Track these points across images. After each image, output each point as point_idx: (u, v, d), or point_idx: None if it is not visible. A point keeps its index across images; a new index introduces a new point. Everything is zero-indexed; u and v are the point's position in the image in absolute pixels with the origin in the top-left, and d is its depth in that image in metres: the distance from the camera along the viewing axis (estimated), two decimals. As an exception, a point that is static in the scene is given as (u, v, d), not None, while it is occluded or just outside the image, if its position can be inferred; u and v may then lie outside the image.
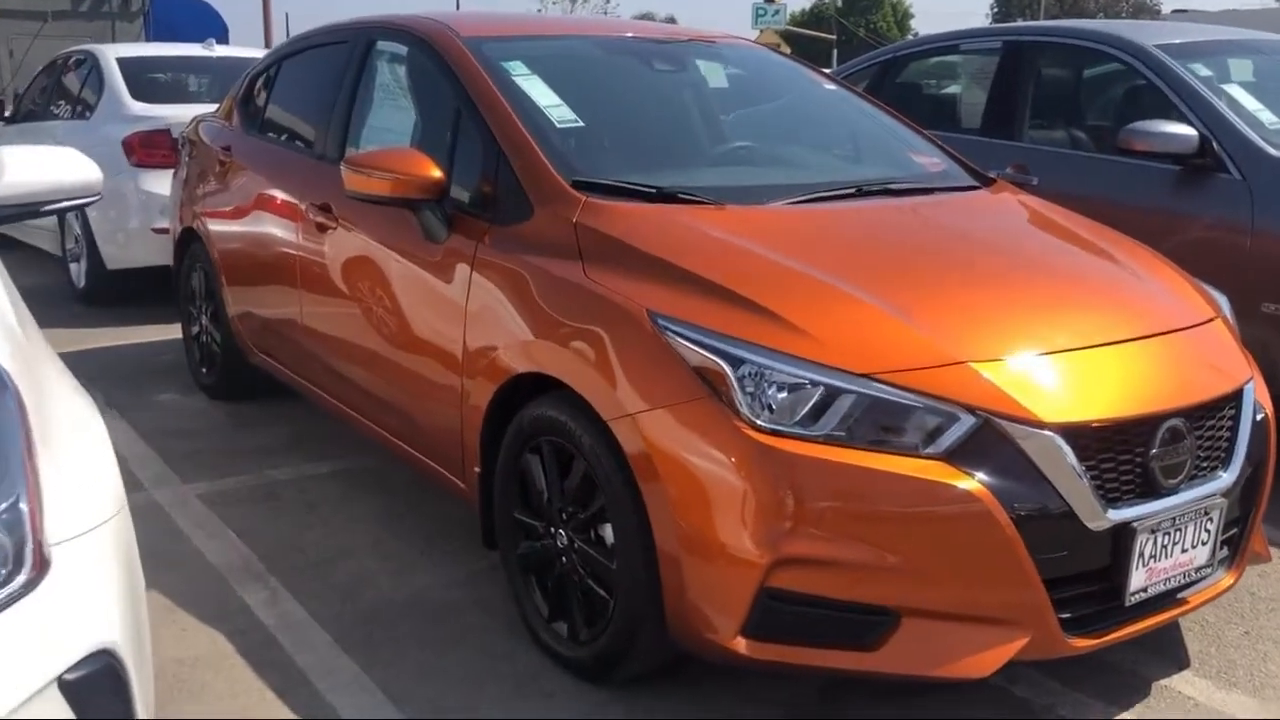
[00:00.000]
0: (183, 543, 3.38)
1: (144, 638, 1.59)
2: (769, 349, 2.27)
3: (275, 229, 4.00)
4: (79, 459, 1.59)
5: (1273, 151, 3.89)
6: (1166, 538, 2.37)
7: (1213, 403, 2.49)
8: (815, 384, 2.23)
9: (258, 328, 4.30)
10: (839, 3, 59.18)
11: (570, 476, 2.58)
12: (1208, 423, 2.47)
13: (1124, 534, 2.29)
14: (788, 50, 7.49)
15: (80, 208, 2.55)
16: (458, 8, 17.68)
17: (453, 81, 3.22)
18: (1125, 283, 2.84)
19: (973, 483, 2.17)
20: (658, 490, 2.31)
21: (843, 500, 2.19)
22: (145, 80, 6.93)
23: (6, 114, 8.75)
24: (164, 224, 5.73)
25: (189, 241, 4.87)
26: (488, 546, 2.92)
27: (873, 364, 2.25)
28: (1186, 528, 2.40)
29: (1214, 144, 4.00)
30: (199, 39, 7.99)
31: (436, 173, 2.93)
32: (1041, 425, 2.22)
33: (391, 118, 3.78)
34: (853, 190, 3.08)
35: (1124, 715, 2.55)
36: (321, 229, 3.62)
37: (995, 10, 62.19)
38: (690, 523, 2.27)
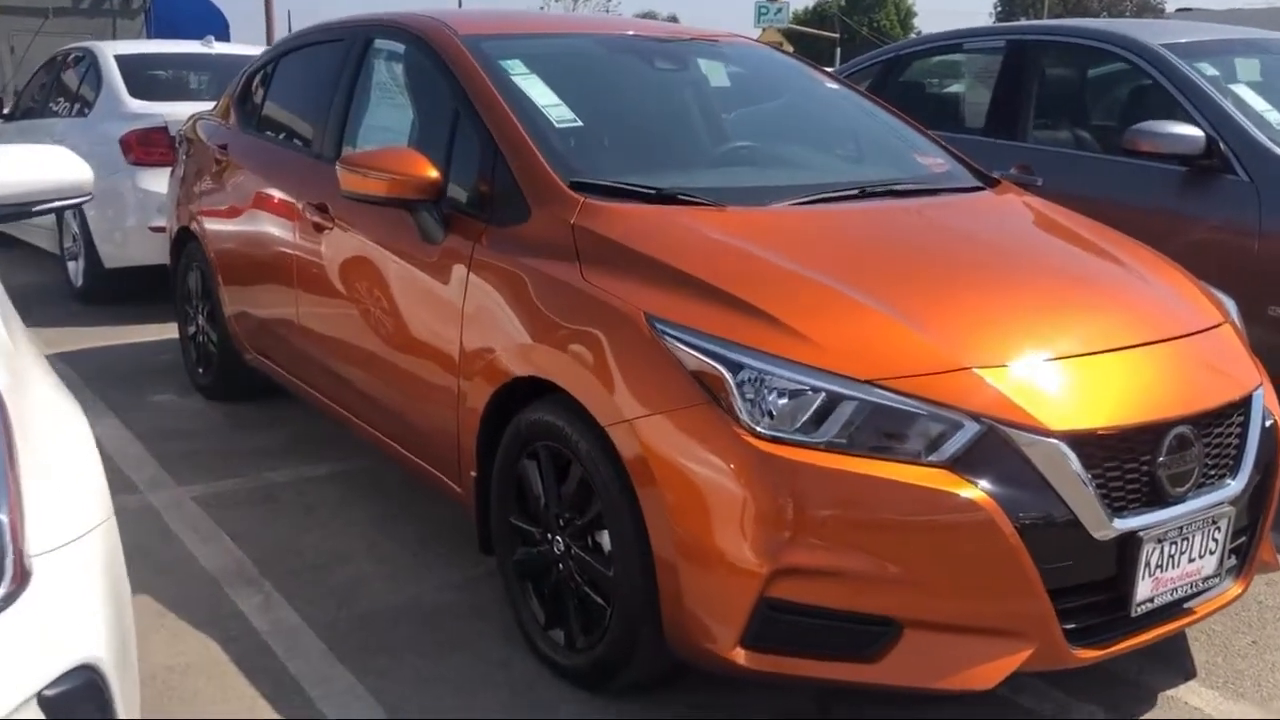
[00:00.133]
0: (176, 546, 3.34)
1: (129, 649, 1.55)
2: (769, 354, 2.23)
3: (271, 228, 3.96)
4: (62, 466, 1.55)
5: (1280, 152, 3.86)
6: (1174, 547, 2.33)
7: (1221, 410, 2.45)
8: (816, 390, 2.19)
9: (254, 328, 4.26)
10: (842, 1, 59.11)
11: (567, 482, 2.54)
12: (1216, 430, 2.43)
13: (1130, 543, 2.26)
14: (790, 49, 7.46)
15: (71, 208, 2.51)
16: (460, 5, 17.66)
17: (450, 80, 3.19)
18: (1131, 287, 2.80)
19: (976, 491, 2.13)
20: (655, 497, 2.27)
21: (844, 509, 2.15)
22: (144, 77, 6.90)
23: (5, 111, 8.72)
24: (162, 222, 5.69)
25: (185, 241, 4.85)
26: (484, 552, 2.89)
27: (875, 370, 2.21)
28: (1194, 537, 2.36)
29: (1221, 144, 3.96)
30: (201, 36, 7.97)
31: (433, 173, 2.89)
32: (1047, 433, 2.18)
33: (389, 117, 3.74)
34: (855, 191, 3.05)
35: (1129, 726, 2.52)
36: (318, 229, 3.58)
37: (999, 9, 62.13)
38: (688, 530, 2.23)
